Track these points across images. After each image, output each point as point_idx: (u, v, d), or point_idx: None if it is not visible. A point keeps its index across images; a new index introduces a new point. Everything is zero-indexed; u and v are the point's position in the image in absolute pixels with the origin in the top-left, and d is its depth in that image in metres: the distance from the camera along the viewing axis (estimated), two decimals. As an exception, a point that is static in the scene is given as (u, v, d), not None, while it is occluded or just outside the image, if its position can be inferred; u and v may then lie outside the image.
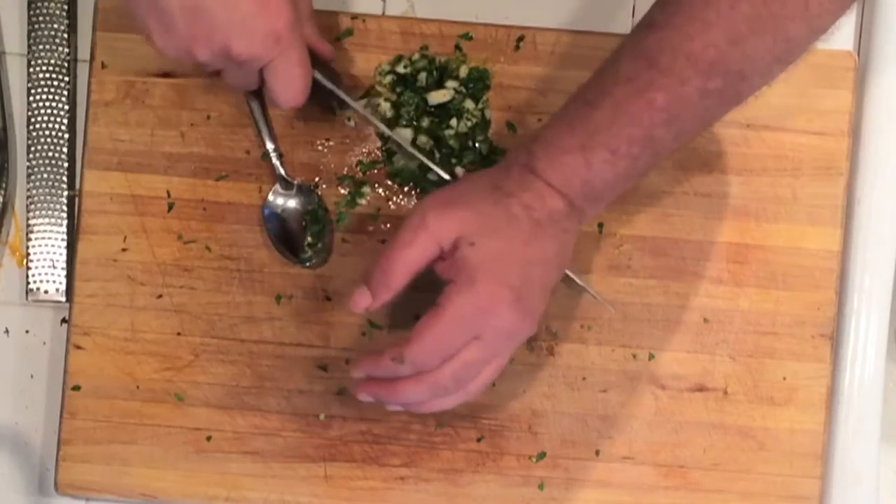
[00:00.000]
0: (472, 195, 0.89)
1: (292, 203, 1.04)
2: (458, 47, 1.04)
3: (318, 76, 0.96)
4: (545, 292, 0.90)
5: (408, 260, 0.88)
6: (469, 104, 1.03)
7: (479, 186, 0.89)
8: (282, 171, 1.03)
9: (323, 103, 1.02)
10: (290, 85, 0.93)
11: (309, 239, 1.04)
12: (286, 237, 1.04)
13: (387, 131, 1.02)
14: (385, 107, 1.04)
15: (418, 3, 1.07)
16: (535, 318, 0.89)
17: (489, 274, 0.86)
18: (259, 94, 1.03)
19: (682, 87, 0.84)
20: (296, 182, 1.04)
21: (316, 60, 0.96)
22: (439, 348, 0.87)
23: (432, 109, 1.03)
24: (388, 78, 1.04)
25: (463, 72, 1.04)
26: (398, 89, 1.04)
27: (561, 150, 0.86)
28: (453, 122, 1.03)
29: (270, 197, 1.04)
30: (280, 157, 1.04)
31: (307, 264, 1.04)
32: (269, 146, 1.03)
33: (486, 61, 1.04)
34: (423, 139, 1.03)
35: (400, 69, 1.04)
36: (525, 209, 0.87)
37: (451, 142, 1.03)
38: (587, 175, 0.86)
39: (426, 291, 1.04)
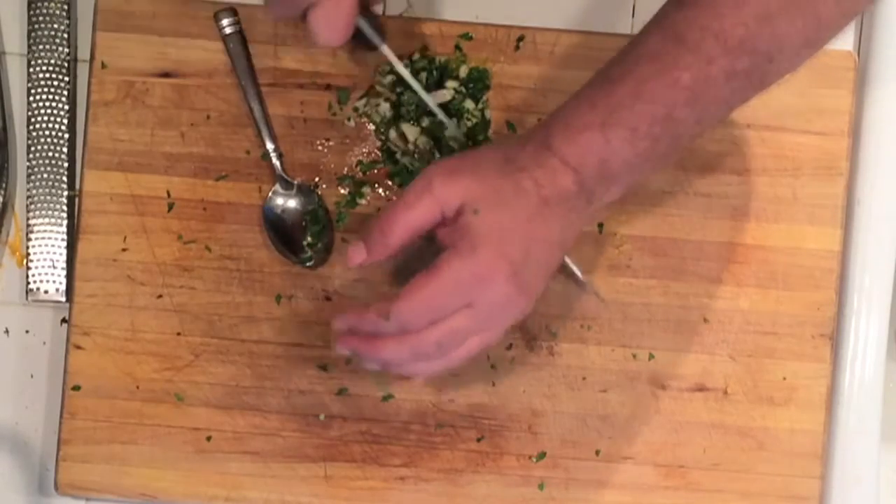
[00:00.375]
0: (482, 165, 0.88)
1: (292, 203, 1.04)
2: (458, 47, 1.04)
3: (362, 22, 0.96)
4: (545, 272, 0.89)
5: (408, 221, 0.87)
6: (469, 104, 1.03)
7: (490, 157, 0.88)
8: (282, 171, 1.03)
9: (358, 46, 1.01)
10: (334, 25, 0.91)
11: (309, 239, 1.04)
12: (286, 237, 1.04)
13: (412, 82, 1.01)
14: (385, 107, 1.04)
15: (418, 3, 1.07)
16: (531, 297, 0.88)
17: (491, 244, 0.85)
18: (259, 93, 1.03)
19: (709, 66, 0.82)
20: (296, 182, 1.04)
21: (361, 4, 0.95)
22: (428, 309, 0.86)
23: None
24: (388, 78, 1.04)
25: (463, 72, 1.04)
26: (398, 89, 1.04)
27: (580, 127, 0.85)
28: (453, 122, 1.03)
29: (270, 197, 1.04)
30: (280, 157, 1.04)
31: (307, 264, 1.03)
32: (269, 146, 1.03)
33: (486, 61, 1.04)
34: (423, 139, 1.03)
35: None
36: (535, 184, 0.86)
37: (451, 142, 1.03)
38: (605, 153, 0.85)
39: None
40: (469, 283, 0.85)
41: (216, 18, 1.04)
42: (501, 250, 0.85)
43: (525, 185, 0.86)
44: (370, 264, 0.89)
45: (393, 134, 1.04)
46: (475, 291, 0.86)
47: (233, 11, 1.04)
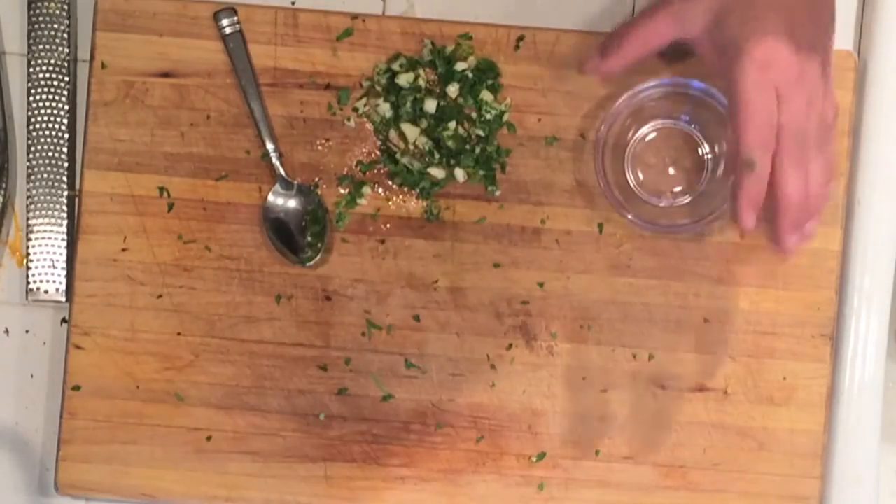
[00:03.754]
0: None
1: (292, 203, 1.04)
2: (458, 46, 1.04)
3: None
4: (818, 15, 0.88)
5: (643, 32, 0.90)
6: (487, 96, 1.03)
7: None
8: (282, 171, 1.03)
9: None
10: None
11: (309, 239, 1.04)
12: (286, 237, 1.04)
13: None
14: (385, 107, 1.04)
15: (418, 3, 1.07)
16: (815, 48, 0.87)
17: (754, 31, 0.85)
18: (259, 93, 1.03)
19: None
20: (296, 182, 1.04)
21: None
22: (763, 122, 0.85)
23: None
24: (386, 77, 1.04)
25: (471, 62, 1.03)
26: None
27: None
28: (451, 123, 1.03)
29: (270, 197, 1.04)
30: (280, 157, 1.04)
31: (307, 264, 1.03)
32: (269, 146, 1.03)
33: (486, 61, 1.04)
34: (423, 139, 1.03)
35: (396, 67, 1.04)
36: None
37: (450, 142, 1.02)
38: None
39: (427, 290, 1.04)
40: (765, 79, 0.85)
41: (216, 18, 1.04)
42: (766, 28, 0.85)
43: None
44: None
45: (393, 134, 1.04)
46: (775, 77, 0.85)
47: (233, 11, 1.04)
